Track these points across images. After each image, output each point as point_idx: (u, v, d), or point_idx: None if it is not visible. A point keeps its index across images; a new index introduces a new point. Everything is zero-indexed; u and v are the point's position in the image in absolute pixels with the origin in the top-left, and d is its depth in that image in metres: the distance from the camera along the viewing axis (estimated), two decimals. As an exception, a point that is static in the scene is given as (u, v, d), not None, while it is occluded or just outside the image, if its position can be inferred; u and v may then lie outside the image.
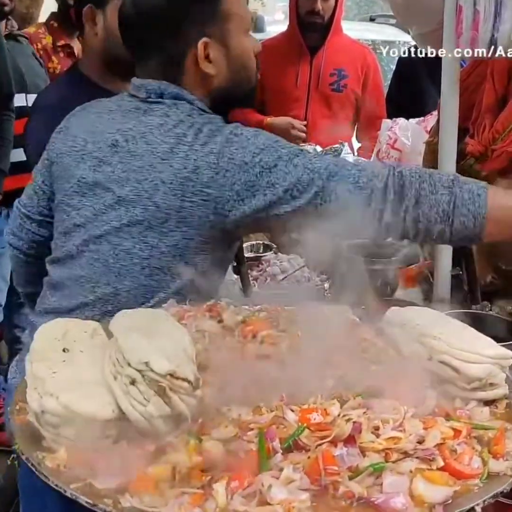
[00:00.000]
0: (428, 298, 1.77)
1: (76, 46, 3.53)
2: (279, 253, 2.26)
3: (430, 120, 2.54)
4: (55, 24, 3.52)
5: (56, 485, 0.90)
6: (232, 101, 1.60)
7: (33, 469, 0.94)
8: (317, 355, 1.23)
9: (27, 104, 2.88)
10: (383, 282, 1.90)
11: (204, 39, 1.44)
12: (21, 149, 2.78)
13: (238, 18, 1.48)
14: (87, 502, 0.87)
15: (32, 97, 2.93)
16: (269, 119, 3.37)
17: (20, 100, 2.84)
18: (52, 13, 3.59)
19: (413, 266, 1.91)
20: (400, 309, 1.35)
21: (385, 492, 0.90)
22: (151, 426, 1.00)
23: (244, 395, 1.09)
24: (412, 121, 2.67)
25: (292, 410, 1.04)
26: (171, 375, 1.01)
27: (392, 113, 3.10)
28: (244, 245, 2.10)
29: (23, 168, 2.80)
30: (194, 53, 1.45)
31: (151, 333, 1.14)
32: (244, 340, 1.29)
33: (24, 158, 2.80)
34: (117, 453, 0.97)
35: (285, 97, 3.40)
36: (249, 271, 2.07)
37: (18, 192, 2.77)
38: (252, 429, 1.00)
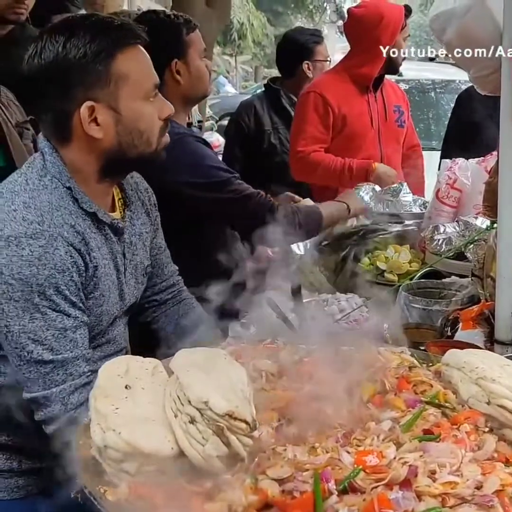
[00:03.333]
0: (489, 340, 1.74)
1: None
2: (337, 292, 2.27)
3: (490, 160, 2.52)
4: None
5: (117, 519, 0.93)
6: (127, 165, 1.58)
7: (95, 502, 0.97)
8: (374, 396, 1.24)
9: None
10: (443, 323, 1.88)
11: (89, 102, 1.44)
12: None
13: (133, 82, 1.47)
14: (146, 537, 0.90)
15: None
16: (376, 165, 3.16)
17: None
18: None
19: (473, 307, 1.88)
20: (458, 351, 1.34)
21: (442, 538, 0.90)
22: (209, 465, 1.02)
23: (300, 436, 1.10)
24: (472, 161, 2.65)
25: (348, 452, 1.05)
26: (229, 415, 1.03)
27: (451, 153, 3.09)
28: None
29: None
30: (80, 115, 1.45)
31: (211, 371, 1.17)
32: (300, 380, 1.30)
33: None
34: (175, 489, 0.99)
35: (359, 137, 3.33)
36: (307, 310, 2.09)
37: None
38: (307, 470, 1.01)
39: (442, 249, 2.36)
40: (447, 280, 2.23)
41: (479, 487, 0.98)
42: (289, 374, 1.34)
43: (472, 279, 2.07)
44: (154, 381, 1.19)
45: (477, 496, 0.96)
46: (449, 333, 1.84)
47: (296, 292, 1.88)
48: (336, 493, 0.96)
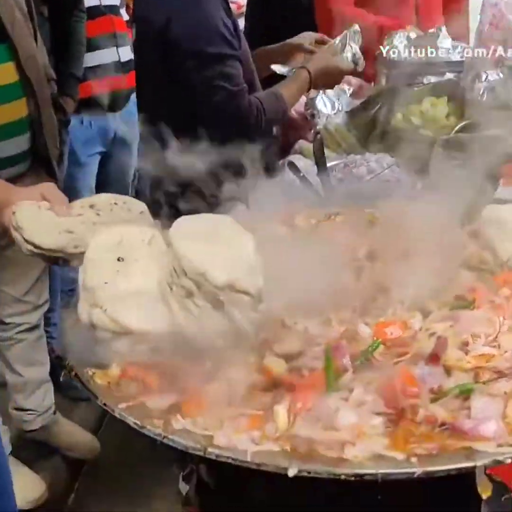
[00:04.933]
0: (533, 197, 1.57)
1: None
2: (366, 153, 2.09)
3: (544, -8, 2.22)
4: None
5: (104, 404, 0.84)
6: None
7: (83, 386, 0.88)
8: (398, 260, 1.09)
9: (100, 3, 2.75)
10: (484, 179, 1.72)
11: None
12: (94, 53, 2.69)
13: None
14: (135, 423, 0.81)
15: None
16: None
17: None
18: None
19: (517, 161, 1.70)
20: (498, 207, 1.19)
21: (474, 418, 0.79)
22: (208, 342, 0.91)
23: (313, 306, 0.98)
24: (523, -6, 2.35)
25: (366, 323, 0.94)
26: (229, 288, 0.91)
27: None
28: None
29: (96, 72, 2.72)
30: None
31: (212, 240, 1.04)
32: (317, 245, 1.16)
33: (97, 63, 2.71)
34: (171, 370, 0.89)
35: None
36: (334, 172, 1.93)
37: (90, 100, 2.73)
38: (319, 344, 0.90)
39: (484, 99, 2.14)
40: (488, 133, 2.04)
41: (518, 359, 0.86)
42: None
43: (516, 132, 1.89)
44: (151, 253, 1.06)
45: (516, 369, 0.84)
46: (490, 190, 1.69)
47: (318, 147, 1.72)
48: (352, 369, 0.85)
